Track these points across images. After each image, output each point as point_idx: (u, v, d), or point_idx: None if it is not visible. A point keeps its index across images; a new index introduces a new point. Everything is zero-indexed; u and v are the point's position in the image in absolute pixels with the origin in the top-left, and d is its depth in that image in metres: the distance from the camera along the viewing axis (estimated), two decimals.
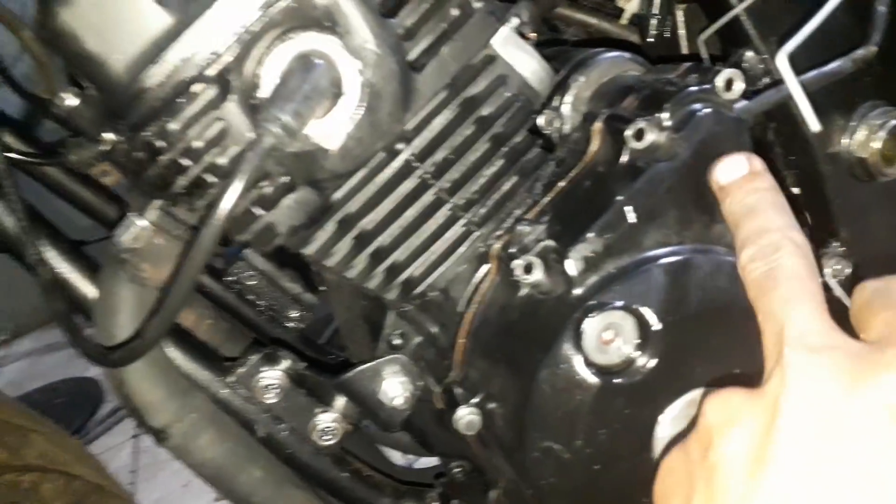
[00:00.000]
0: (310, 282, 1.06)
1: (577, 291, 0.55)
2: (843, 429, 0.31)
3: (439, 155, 0.57)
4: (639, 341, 0.54)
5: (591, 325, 0.53)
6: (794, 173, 0.84)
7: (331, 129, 0.51)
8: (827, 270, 0.82)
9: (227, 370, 0.76)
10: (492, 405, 0.60)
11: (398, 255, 0.60)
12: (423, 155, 0.57)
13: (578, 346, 0.53)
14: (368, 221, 0.58)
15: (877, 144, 0.76)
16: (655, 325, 0.54)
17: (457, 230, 0.60)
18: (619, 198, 0.55)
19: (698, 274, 0.55)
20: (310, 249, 0.58)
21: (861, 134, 0.77)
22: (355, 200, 0.57)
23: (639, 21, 0.84)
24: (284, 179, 0.53)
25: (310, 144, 0.52)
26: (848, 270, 0.81)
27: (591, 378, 0.54)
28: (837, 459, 0.31)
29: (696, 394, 0.55)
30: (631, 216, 0.55)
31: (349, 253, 0.59)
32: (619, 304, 0.54)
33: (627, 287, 0.54)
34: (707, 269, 0.55)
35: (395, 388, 0.68)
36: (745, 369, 0.51)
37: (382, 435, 1.01)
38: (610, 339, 0.54)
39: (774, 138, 0.83)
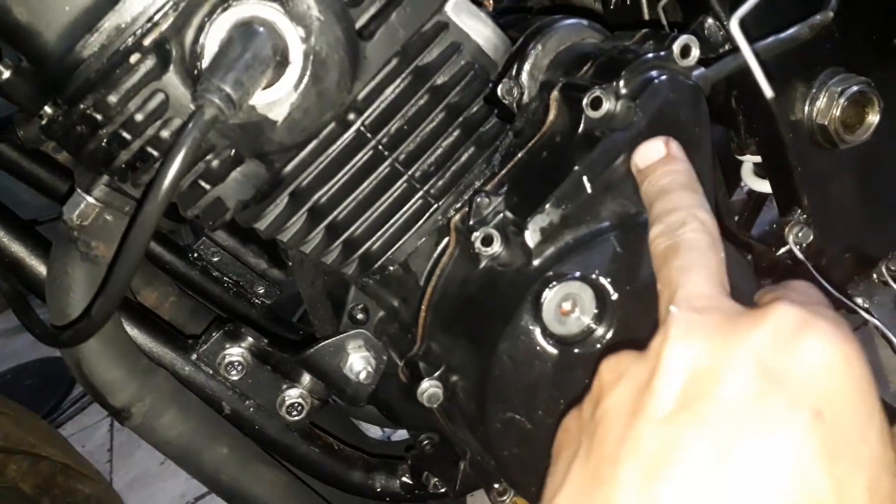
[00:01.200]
0: (276, 257, 1.05)
1: (536, 263, 0.54)
2: (712, 379, 0.33)
3: (393, 125, 0.56)
4: (597, 311, 0.53)
5: (550, 296, 0.53)
6: (757, 141, 0.84)
7: (276, 100, 0.50)
8: (790, 237, 0.83)
9: (190, 348, 0.75)
10: (454, 378, 0.60)
11: (355, 228, 0.59)
12: (376, 126, 0.55)
13: (538, 318, 0.53)
14: (322, 195, 0.56)
15: (837, 112, 0.76)
16: (613, 294, 0.53)
17: (414, 203, 0.59)
18: (576, 168, 0.54)
19: None
20: (263, 224, 0.57)
21: (821, 101, 0.76)
22: (307, 173, 0.55)
23: None
24: (230, 152, 0.51)
25: (255, 115, 0.50)
26: (810, 237, 0.82)
27: (551, 349, 0.53)
28: (706, 406, 0.32)
29: None
30: (588, 186, 0.54)
31: (304, 227, 0.58)
32: (577, 274, 0.53)
33: (585, 258, 0.53)
34: None
35: (359, 362, 0.67)
36: None
37: (353, 409, 1.01)
38: (568, 309, 0.53)
39: (736, 106, 0.83)
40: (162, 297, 0.97)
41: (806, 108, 0.77)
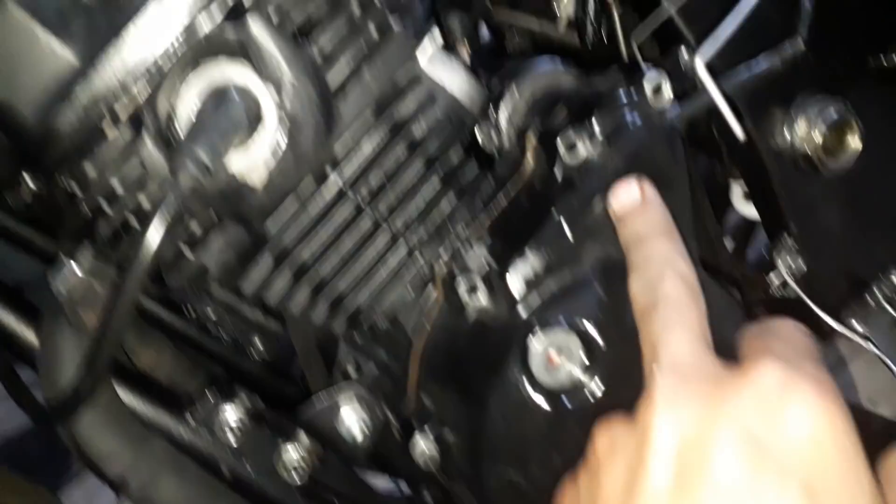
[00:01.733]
0: (273, 310, 1.04)
1: (522, 312, 0.54)
2: (702, 454, 0.32)
3: (372, 180, 0.56)
4: (586, 361, 0.53)
5: (536, 346, 0.52)
6: (741, 169, 0.84)
7: (253, 164, 0.50)
8: (780, 264, 0.82)
9: (186, 410, 0.74)
10: (448, 434, 0.59)
11: (340, 285, 0.58)
12: (355, 180, 0.55)
13: (526, 370, 0.52)
14: (305, 253, 0.56)
15: (817, 137, 0.76)
16: (600, 342, 0.53)
17: (399, 255, 0.58)
18: (553, 212, 0.54)
19: None
20: (247, 288, 0.56)
21: (800, 127, 0.76)
22: (289, 233, 0.55)
23: (577, 24, 0.83)
24: (212, 218, 0.51)
25: (234, 182, 0.50)
26: (803, 266, 0.81)
27: (542, 403, 0.53)
28: (699, 487, 0.32)
29: None
30: (567, 231, 0.54)
31: (288, 288, 0.58)
32: (562, 321, 0.53)
33: (569, 304, 0.53)
34: None
35: (351, 417, 0.66)
36: None
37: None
38: (557, 360, 0.53)
39: (718, 136, 0.84)
40: (158, 356, 0.96)
41: (786, 134, 0.77)
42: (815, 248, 0.81)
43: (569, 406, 0.52)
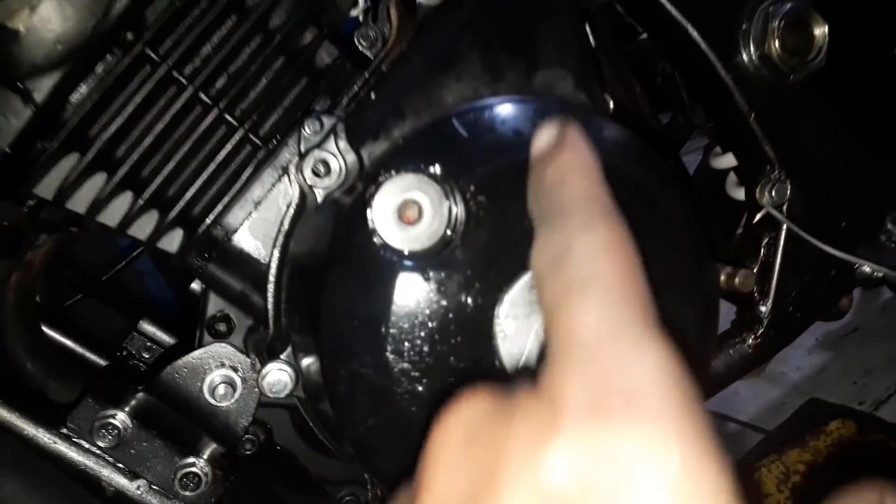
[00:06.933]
0: None
1: (367, 165, 0.42)
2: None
3: (190, 50, 0.46)
4: (449, 214, 0.40)
5: (382, 197, 0.40)
6: (704, 104, 0.73)
7: (12, 5, 0.42)
8: (765, 200, 0.68)
9: (59, 419, 0.62)
10: (304, 358, 0.46)
11: (165, 187, 0.48)
12: (169, 50, 0.46)
13: (371, 228, 0.40)
14: (109, 140, 0.46)
15: (774, 36, 0.65)
16: (466, 191, 0.40)
17: (235, 146, 0.48)
18: (408, 51, 0.44)
19: (516, 123, 0.42)
20: (47, 189, 0.47)
21: (756, 31, 0.66)
22: (83, 110, 0.45)
23: None
24: None
25: None
26: (787, 192, 0.67)
27: (393, 267, 0.39)
28: None
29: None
30: (421, 68, 0.43)
31: (103, 192, 0.47)
32: (412, 166, 0.40)
33: (422, 147, 0.41)
34: (526, 117, 0.42)
35: (219, 380, 0.54)
36: None
37: None
38: (413, 215, 0.40)
39: (675, 73, 0.73)
40: (74, 394, 0.86)
41: (745, 44, 0.66)
42: (803, 171, 0.67)
43: (431, 271, 0.39)
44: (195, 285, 0.79)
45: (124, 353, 0.93)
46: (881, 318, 1.32)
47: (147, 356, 0.92)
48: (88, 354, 0.92)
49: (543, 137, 0.36)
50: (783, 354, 0.90)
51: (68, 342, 0.91)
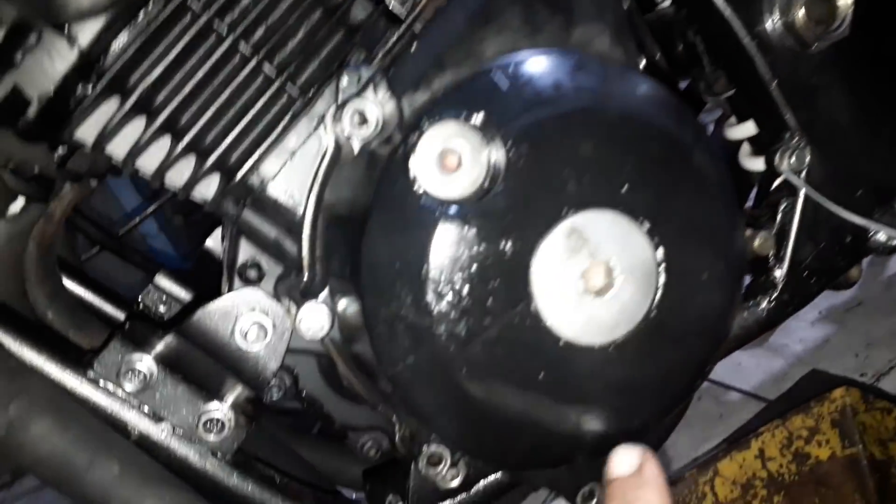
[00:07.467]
0: None
1: (407, 115, 0.43)
2: None
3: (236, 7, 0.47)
4: (490, 162, 0.41)
5: (423, 145, 0.41)
6: (727, 72, 0.74)
7: None
8: (784, 166, 0.69)
9: (86, 363, 0.64)
10: (341, 301, 0.47)
11: (203, 135, 0.49)
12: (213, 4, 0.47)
13: (412, 176, 0.41)
14: (150, 88, 0.47)
15: (799, 7, 0.65)
16: (507, 140, 0.41)
17: (272, 96, 0.49)
18: (448, 4, 0.44)
19: (556, 75, 0.43)
20: (87, 132, 0.47)
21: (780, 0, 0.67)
22: (126, 58, 0.46)
23: None
24: (12, 16, 0.43)
25: None
26: (808, 157, 0.68)
27: (433, 212, 0.41)
28: None
29: (575, 220, 0.41)
30: (461, 21, 0.44)
31: (144, 137, 0.48)
32: (454, 114, 0.41)
33: (463, 96, 0.42)
34: (565, 70, 0.43)
35: (249, 324, 0.55)
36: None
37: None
38: (453, 164, 0.41)
39: (697, 40, 0.74)
40: (94, 343, 0.87)
41: (767, 14, 0.67)
42: (822, 137, 0.68)
43: (471, 217, 0.40)
44: (210, 242, 0.80)
45: (140, 306, 0.94)
46: (885, 292, 1.34)
47: (163, 310, 0.93)
48: (106, 306, 0.93)
49: (623, 461, 0.37)
50: (786, 326, 0.92)
51: (87, 294, 0.92)
